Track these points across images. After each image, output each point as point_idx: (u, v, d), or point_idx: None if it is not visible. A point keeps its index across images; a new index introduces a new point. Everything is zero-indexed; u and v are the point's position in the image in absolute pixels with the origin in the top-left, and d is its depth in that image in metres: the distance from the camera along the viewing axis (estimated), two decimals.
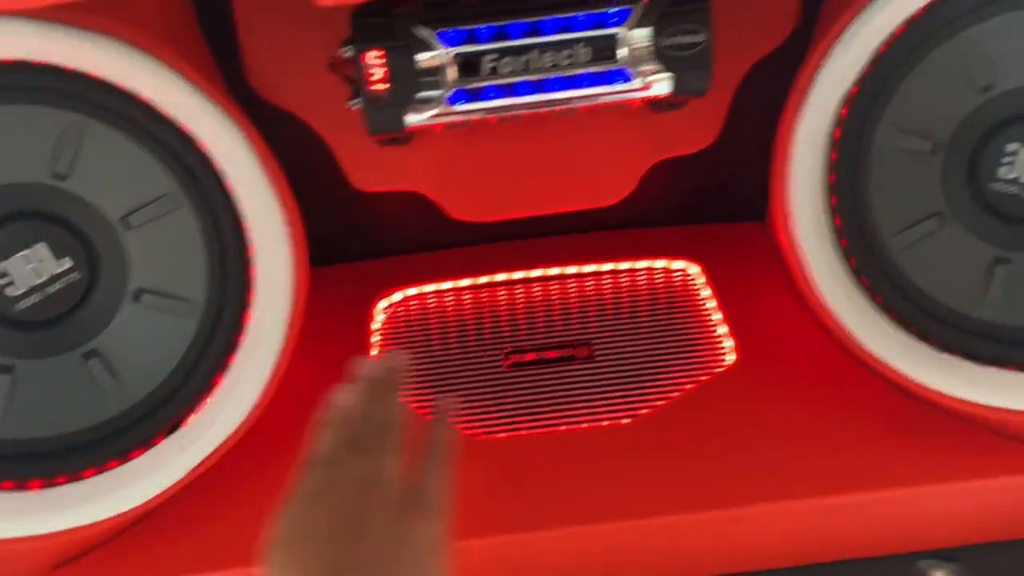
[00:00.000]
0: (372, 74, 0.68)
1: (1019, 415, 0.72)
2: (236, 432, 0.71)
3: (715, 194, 1.00)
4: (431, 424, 0.58)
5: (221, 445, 0.70)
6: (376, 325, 0.93)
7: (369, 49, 0.67)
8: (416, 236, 0.96)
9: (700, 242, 1.00)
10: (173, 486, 0.69)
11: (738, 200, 1.02)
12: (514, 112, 0.71)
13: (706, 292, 0.94)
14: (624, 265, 0.98)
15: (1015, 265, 0.72)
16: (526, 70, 0.69)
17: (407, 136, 0.73)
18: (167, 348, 0.73)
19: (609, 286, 0.96)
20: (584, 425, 0.81)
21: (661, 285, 0.96)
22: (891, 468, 0.72)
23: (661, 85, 0.70)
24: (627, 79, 0.70)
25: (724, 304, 0.91)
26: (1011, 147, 0.71)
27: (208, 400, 0.72)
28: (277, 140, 0.72)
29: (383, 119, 0.70)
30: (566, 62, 0.69)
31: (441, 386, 0.85)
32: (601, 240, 1.00)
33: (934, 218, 0.73)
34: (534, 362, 0.88)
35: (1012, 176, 0.71)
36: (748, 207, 1.02)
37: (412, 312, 0.95)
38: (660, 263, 0.98)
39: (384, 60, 0.68)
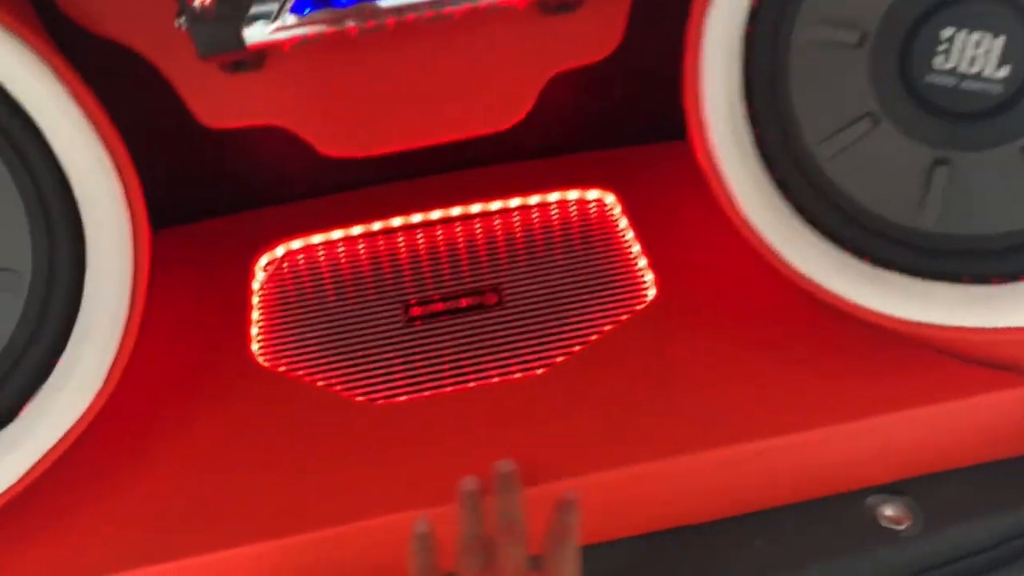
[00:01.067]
0: None
1: (965, 332, 0.66)
2: (77, 424, 0.60)
3: (629, 113, 0.91)
4: (557, 511, 0.61)
5: (60, 441, 0.60)
6: (257, 284, 0.82)
7: None
8: (296, 181, 0.85)
9: (615, 168, 0.91)
10: (5, 493, 0.59)
11: (655, 118, 0.93)
12: (375, 19, 0.60)
13: (623, 223, 0.85)
14: (533, 199, 0.88)
15: (955, 166, 0.64)
16: None
17: (254, 59, 0.62)
18: None
19: (518, 224, 0.87)
20: (495, 379, 0.72)
21: (575, 219, 0.87)
22: (830, 403, 0.65)
23: None
24: None
25: (642, 235, 0.83)
26: (946, 33, 0.62)
27: (42, 388, 0.61)
28: (116, 80, 0.60)
29: (214, 37, 0.58)
30: None
31: (335, 347, 0.76)
32: (506, 172, 0.90)
33: (864, 120, 0.64)
34: (438, 314, 0.78)
35: (948, 66, 0.63)
36: (666, 126, 0.94)
37: (299, 268, 0.84)
38: (572, 194, 0.88)
39: None
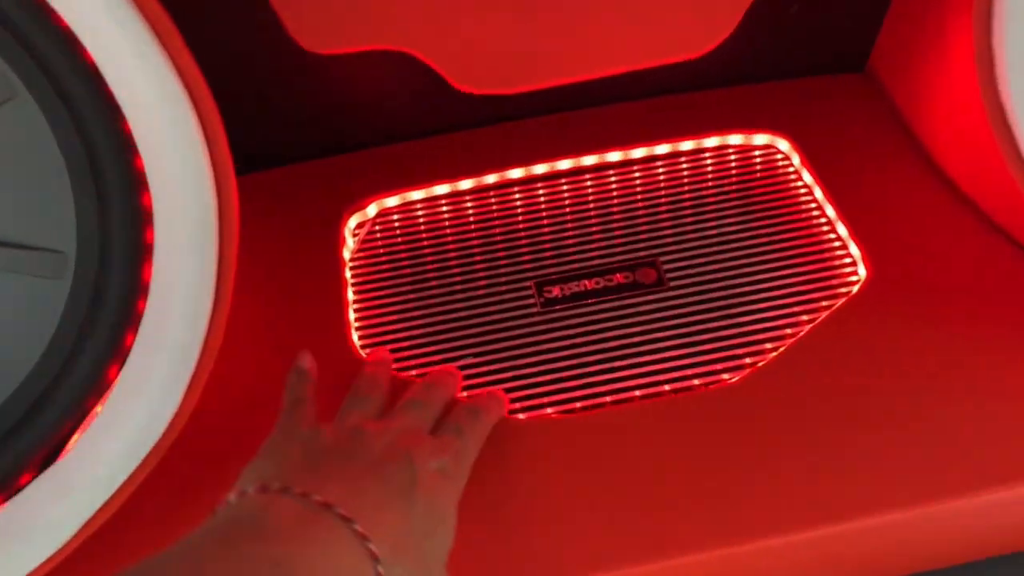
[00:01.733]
0: None
1: None
2: (146, 462, 0.44)
3: (788, 40, 0.73)
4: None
5: (125, 485, 0.44)
6: (348, 253, 0.65)
7: None
8: (397, 115, 0.68)
9: (785, 106, 0.72)
10: (52, 558, 0.43)
11: (829, 46, 0.74)
12: None
13: (806, 177, 0.68)
14: (686, 145, 0.70)
15: None
16: None
17: None
18: (25, 330, 0.46)
19: (669, 178, 0.69)
20: (666, 390, 0.56)
21: (738, 172, 0.69)
22: None
23: None
24: None
25: (835, 195, 0.65)
26: None
27: (99, 410, 0.45)
28: None
29: None
30: None
31: (451, 340, 0.59)
32: (649, 111, 0.72)
33: None
34: (579, 296, 0.62)
35: None
36: (843, 56, 0.76)
37: (398, 232, 0.67)
38: (734, 139, 0.71)
39: None
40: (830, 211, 0.65)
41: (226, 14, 0.55)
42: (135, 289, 0.46)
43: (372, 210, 0.68)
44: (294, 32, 0.48)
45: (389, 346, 0.60)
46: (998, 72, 0.48)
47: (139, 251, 0.46)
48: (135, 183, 0.45)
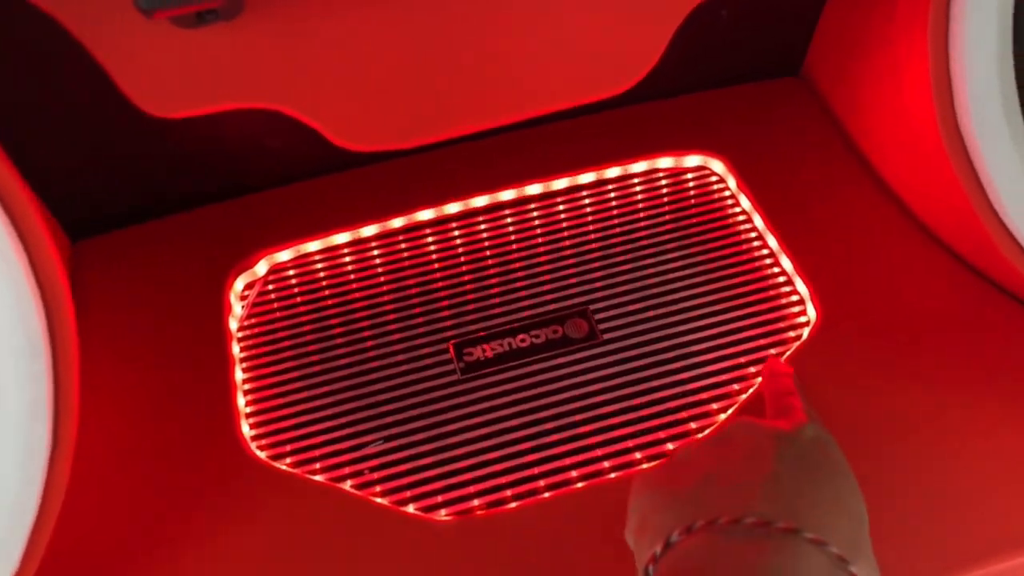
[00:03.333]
0: None
1: None
2: None
3: (718, 46, 0.66)
4: None
5: None
6: (235, 323, 0.57)
7: None
8: (280, 154, 0.59)
9: (715, 118, 0.66)
10: None
11: (760, 49, 0.68)
12: None
13: (744, 204, 0.61)
14: (612, 172, 0.64)
15: None
16: None
17: (228, 6, 0.35)
18: None
19: (596, 210, 0.62)
20: (606, 467, 0.49)
21: (670, 199, 0.62)
22: None
23: None
24: None
25: (774, 222, 0.59)
26: None
27: None
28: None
29: None
30: None
31: (357, 421, 0.52)
32: (569, 133, 0.65)
33: None
34: (503, 357, 0.55)
35: None
36: (761, 59, 0.70)
37: (296, 291, 0.59)
38: (664, 162, 0.64)
39: None
40: (772, 242, 0.59)
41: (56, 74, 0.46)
42: None
43: (262, 268, 0.59)
44: (133, 95, 0.39)
45: (287, 434, 0.52)
46: (957, 101, 0.42)
47: None
48: None
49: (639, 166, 0.64)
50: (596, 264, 0.59)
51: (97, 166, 0.57)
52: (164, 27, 0.35)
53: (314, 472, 0.50)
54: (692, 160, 0.64)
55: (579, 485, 0.49)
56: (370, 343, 0.56)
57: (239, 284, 0.58)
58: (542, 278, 0.59)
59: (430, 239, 0.61)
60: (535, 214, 0.62)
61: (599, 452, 0.50)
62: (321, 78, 0.40)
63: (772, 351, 0.54)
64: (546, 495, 0.48)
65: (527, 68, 0.43)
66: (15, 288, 0.35)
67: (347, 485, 0.49)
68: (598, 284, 0.58)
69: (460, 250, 0.60)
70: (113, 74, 0.38)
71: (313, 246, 0.60)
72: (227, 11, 0.36)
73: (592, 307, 0.57)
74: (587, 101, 0.45)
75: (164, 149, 0.54)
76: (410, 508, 0.48)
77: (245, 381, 0.54)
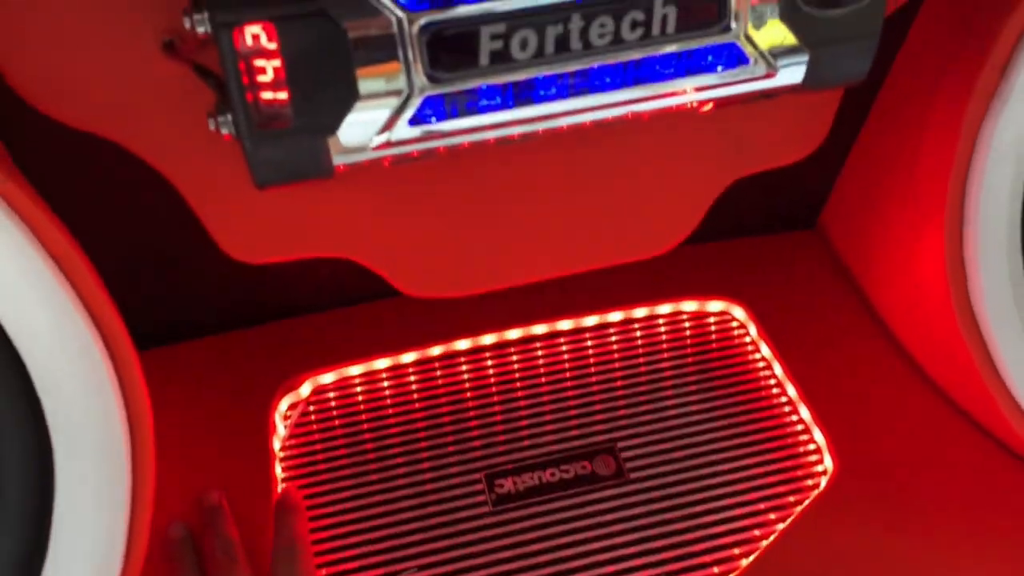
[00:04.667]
0: (257, 70, 0.34)
1: None
2: None
3: (741, 198, 0.71)
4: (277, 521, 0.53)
5: None
6: (279, 444, 0.59)
7: (246, 19, 0.33)
8: (330, 281, 0.63)
9: (737, 267, 0.70)
10: None
11: (778, 204, 0.73)
12: (526, 127, 0.38)
13: (764, 351, 0.65)
14: (639, 312, 0.67)
15: None
16: (560, 53, 0.36)
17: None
18: None
19: (623, 348, 0.65)
20: None
21: (694, 342, 0.66)
22: None
23: (794, 67, 0.39)
24: (740, 60, 0.38)
25: (793, 371, 0.63)
26: None
27: None
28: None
29: (281, 157, 0.35)
30: (634, 35, 0.36)
31: (391, 556, 0.54)
32: (601, 274, 0.69)
33: None
34: (533, 491, 0.57)
35: None
36: (792, 213, 0.74)
37: (335, 414, 0.62)
38: (689, 306, 0.68)
39: (277, 44, 0.34)
40: (791, 390, 0.62)
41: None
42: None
43: (306, 389, 0.62)
44: (222, 243, 0.43)
45: (319, 558, 0.54)
46: (972, 288, 0.46)
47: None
48: (32, 421, 0.39)
49: (664, 308, 0.67)
50: (622, 401, 0.62)
51: (155, 281, 0.61)
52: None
53: None
54: (715, 305, 0.68)
55: None
56: (402, 469, 0.58)
57: (283, 404, 0.61)
58: (570, 412, 0.62)
59: (464, 367, 0.64)
60: (564, 348, 0.65)
61: None
62: (397, 234, 0.44)
63: (791, 498, 0.57)
64: None
65: (577, 232, 0.47)
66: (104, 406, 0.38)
67: None
68: (623, 422, 0.61)
69: (492, 380, 0.64)
70: (206, 222, 0.42)
71: (355, 370, 0.63)
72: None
73: (619, 444, 0.59)
74: (630, 261, 0.49)
75: (222, 272, 0.58)
76: None
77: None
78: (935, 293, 0.51)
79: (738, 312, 0.67)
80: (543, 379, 0.64)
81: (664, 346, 0.66)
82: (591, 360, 0.65)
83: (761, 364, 0.64)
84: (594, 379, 0.64)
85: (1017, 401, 0.48)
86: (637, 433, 0.60)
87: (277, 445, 0.59)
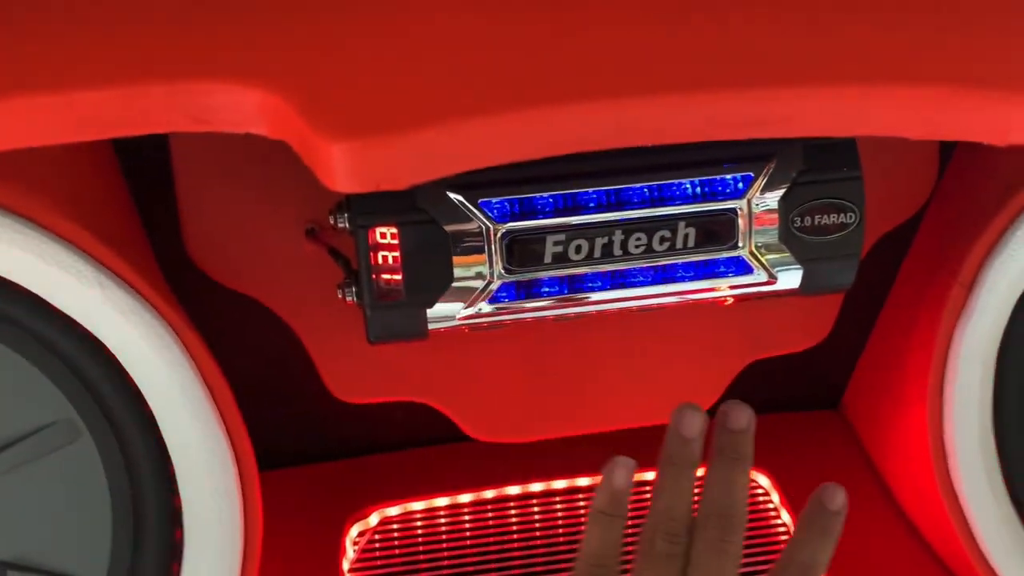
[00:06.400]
0: (381, 259, 0.45)
1: None
2: None
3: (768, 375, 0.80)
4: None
5: None
6: (347, 565, 0.68)
7: (377, 223, 0.45)
8: (405, 423, 0.73)
9: (763, 439, 0.78)
10: None
11: (802, 383, 0.82)
12: (578, 310, 0.49)
13: (785, 519, 0.72)
14: None
15: None
16: (605, 257, 0.48)
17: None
18: None
19: None
20: None
21: None
22: None
23: (791, 276, 0.50)
24: (746, 270, 0.49)
25: None
26: None
27: None
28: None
29: (391, 321, 0.47)
30: (662, 247, 0.48)
31: None
32: (640, 433, 0.78)
33: None
34: None
35: None
36: (805, 389, 0.83)
37: (396, 545, 0.70)
38: None
39: (398, 240, 0.46)
40: None
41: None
42: None
43: (374, 519, 0.71)
44: (329, 384, 0.54)
45: None
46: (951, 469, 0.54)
47: None
48: (171, 521, 0.49)
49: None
50: None
51: (264, 414, 0.71)
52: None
53: None
54: None
55: None
56: None
57: (354, 531, 0.70)
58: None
59: (512, 511, 0.72)
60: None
61: None
62: (473, 385, 0.55)
63: None
64: None
65: (620, 385, 0.57)
66: (229, 512, 0.47)
67: None
68: None
69: (536, 526, 0.71)
70: (320, 365, 0.53)
71: (417, 505, 0.72)
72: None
73: None
74: (647, 424, 0.59)
75: (320, 411, 0.68)
76: None
77: None
78: (928, 472, 0.58)
79: (762, 480, 0.75)
80: (584, 526, 0.71)
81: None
82: (629, 516, 0.72)
83: (782, 529, 0.71)
84: (628, 530, 0.71)
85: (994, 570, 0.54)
86: None
87: (346, 566, 0.67)
